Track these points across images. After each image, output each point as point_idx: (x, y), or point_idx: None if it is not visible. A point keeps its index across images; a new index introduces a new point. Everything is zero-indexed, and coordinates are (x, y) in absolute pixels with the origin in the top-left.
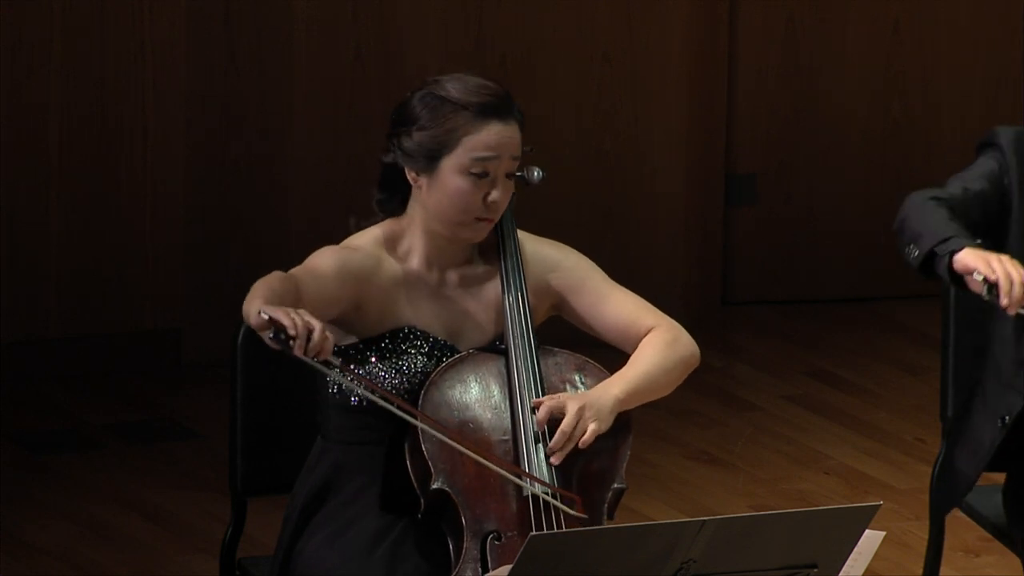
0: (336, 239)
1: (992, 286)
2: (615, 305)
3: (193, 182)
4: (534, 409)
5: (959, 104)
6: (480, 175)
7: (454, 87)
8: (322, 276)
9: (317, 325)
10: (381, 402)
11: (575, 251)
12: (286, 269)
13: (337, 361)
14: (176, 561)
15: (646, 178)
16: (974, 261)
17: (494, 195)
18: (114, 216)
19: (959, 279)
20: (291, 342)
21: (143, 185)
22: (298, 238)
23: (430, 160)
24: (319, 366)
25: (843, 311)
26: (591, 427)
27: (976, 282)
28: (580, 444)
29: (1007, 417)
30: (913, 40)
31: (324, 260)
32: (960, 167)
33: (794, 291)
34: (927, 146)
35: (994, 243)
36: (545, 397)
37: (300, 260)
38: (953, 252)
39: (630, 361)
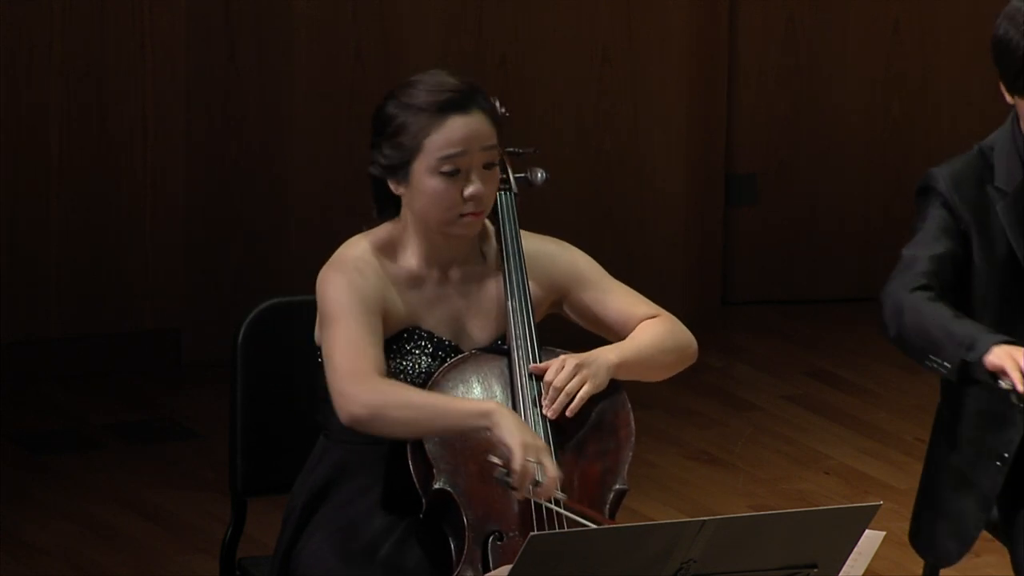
0: (335, 238)
1: (1022, 395)
2: (616, 299)
3: (193, 182)
4: (531, 375)
5: (959, 104)
6: (451, 173)
7: (416, 90)
8: (366, 339)
9: (550, 472)
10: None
11: (574, 247)
12: (286, 268)
13: (562, 496)
14: (176, 561)
15: (646, 178)
16: (1001, 362)
17: (470, 189)
18: (114, 216)
19: (995, 375)
20: (515, 482)
21: (143, 185)
22: (298, 238)
23: (403, 167)
24: (541, 503)
25: (843, 311)
26: (586, 386)
27: (1003, 387)
28: (574, 403)
29: (1007, 454)
30: (913, 40)
31: (351, 316)
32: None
33: (794, 291)
34: (927, 146)
35: (962, 285)
36: (543, 364)
37: (299, 260)
38: (983, 356)
39: (628, 337)
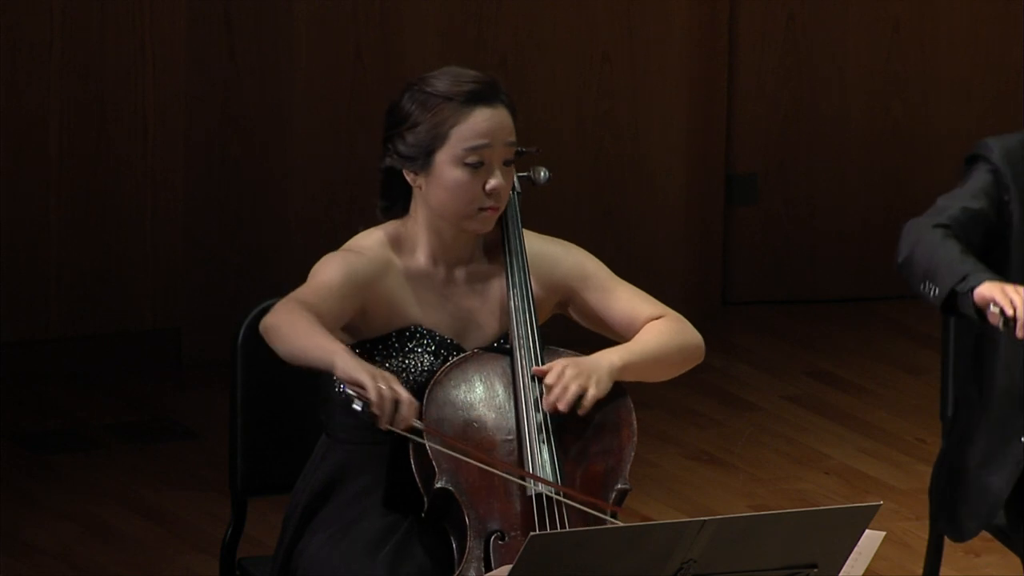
0: (336, 238)
1: (1008, 319)
2: (622, 299)
3: (193, 182)
4: (534, 378)
5: (959, 104)
6: (475, 164)
7: (439, 81)
8: (329, 294)
9: (404, 397)
10: (465, 458)
11: (579, 248)
12: (286, 268)
13: (421, 425)
14: (176, 561)
15: (646, 178)
16: (990, 292)
17: (492, 183)
18: (114, 216)
19: (982, 312)
20: (376, 413)
21: (143, 185)
22: (298, 238)
23: (425, 157)
24: (402, 434)
25: (843, 311)
26: (590, 391)
27: (993, 314)
28: (581, 407)
29: None
30: (913, 40)
31: (329, 274)
32: (959, 168)
33: (794, 291)
34: (927, 146)
35: (997, 261)
36: (545, 366)
37: (300, 259)
38: (973, 288)
39: (633, 339)
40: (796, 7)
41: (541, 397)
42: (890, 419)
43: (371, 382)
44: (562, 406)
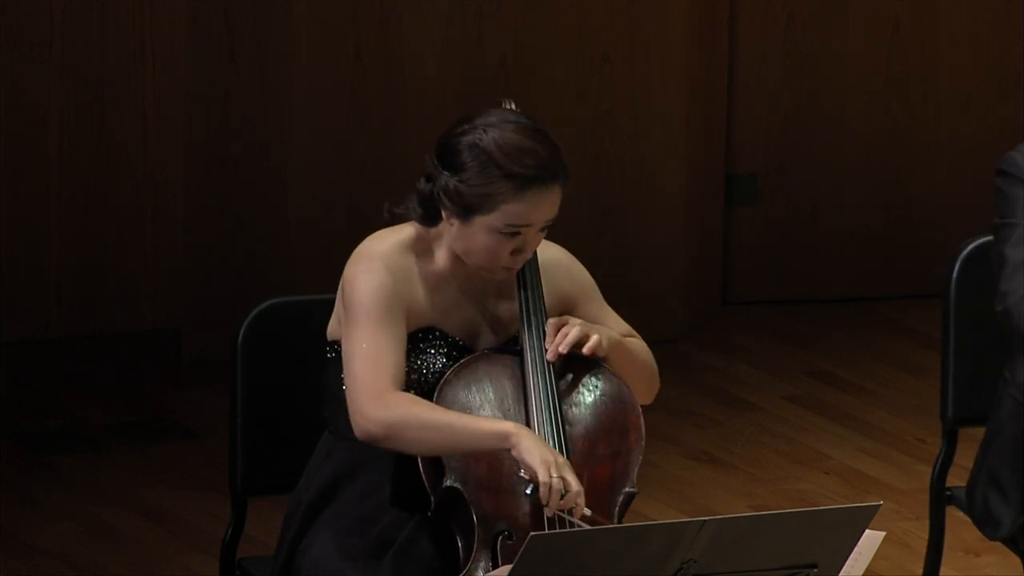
0: (335, 238)
1: None
2: (609, 316)
3: (193, 182)
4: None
5: (959, 104)
6: (511, 235)
7: (500, 148)
8: (389, 347)
9: (574, 487)
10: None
11: (580, 263)
12: (286, 268)
13: (590, 513)
14: (176, 561)
15: (646, 178)
16: None
17: (521, 255)
18: (114, 216)
19: None
20: (543, 499)
21: (143, 185)
22: (298, 238)
23: (465, 211)
24: (565, 516)
25: (843, 311)
26: (594, 336)
27: None
28: (587, 346)
29: None
30: (913, 40)
31: (378, 318)
32: (959, 168)
33: (794, 291)
34: (927, 146)
35: None
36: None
37: (300, 260)
38: None
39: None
40: (796, 7)
41: (551, 398)
42: (890, 419)
43: (543, 472)
44: (563, 349)
